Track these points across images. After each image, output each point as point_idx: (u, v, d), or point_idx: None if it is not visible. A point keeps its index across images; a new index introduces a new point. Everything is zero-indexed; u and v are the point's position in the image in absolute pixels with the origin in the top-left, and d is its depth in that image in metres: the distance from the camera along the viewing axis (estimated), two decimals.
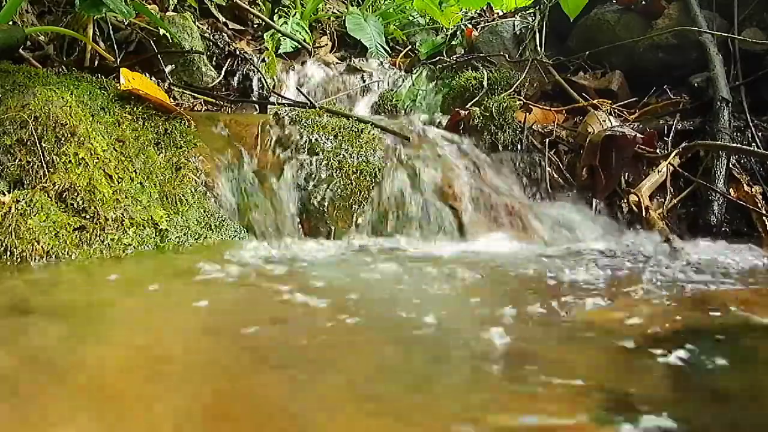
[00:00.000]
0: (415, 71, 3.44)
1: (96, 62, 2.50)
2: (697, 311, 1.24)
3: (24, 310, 1.18)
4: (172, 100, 2.40)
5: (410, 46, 4.07)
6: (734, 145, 2.20)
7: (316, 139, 2.14)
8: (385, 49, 3.86)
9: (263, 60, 3.12)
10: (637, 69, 2.77)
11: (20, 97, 1.81)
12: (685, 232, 2.07)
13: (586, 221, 2.08)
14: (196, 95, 2.68)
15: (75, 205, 1.64)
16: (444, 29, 4.10)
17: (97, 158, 1.76)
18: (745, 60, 2.48)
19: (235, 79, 2.92)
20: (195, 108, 2.62)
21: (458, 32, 3.79)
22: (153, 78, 2.51)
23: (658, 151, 2.26)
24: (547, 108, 2.65)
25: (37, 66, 2.24)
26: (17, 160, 1.69)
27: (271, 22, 3.57)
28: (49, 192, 1.63)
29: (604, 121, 2.31)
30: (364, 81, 3.40)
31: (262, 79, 2.95)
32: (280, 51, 3.48)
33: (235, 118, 2.30)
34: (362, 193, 2.01)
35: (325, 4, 4.24)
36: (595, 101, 2.60)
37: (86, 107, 1.92)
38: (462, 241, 1.95)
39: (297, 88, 3.16)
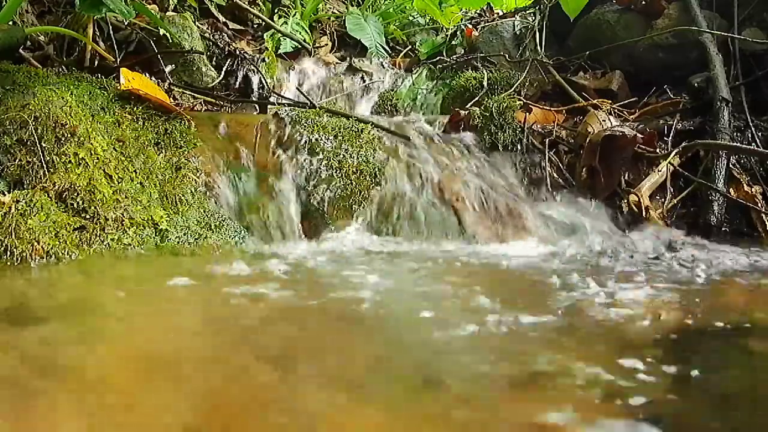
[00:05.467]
0: (415, 71, 3.44)
1: (96, 62, 2.49)
2: (698, 311, 1.24)
3: (24, 310, 1.18)
4: (172, 100, 2.40)
5: (410, 46, 4.07)
6: (734, 144, 2.20)
7: (316, 139, 2.14)
8: (385, 49, 3.86)
9: (263, 60, 3.12)
10: (637, 69, 2.77)
11: (20, 97, 1.81)
12: (685, 232, 2.06)
13: (585, 221, 2.08)
14: (196, 95, 2.67)
15: (75, 205, 1.64)
16: (444, 29, 4.10)
17: (97, 158, 1.76)
18: (745, 60, 2.48)
19: (236, 79, 2.92)
20: (195, 108, 2.62)
21: (458, 32, 3.79)
22: (153, 78, 2.51)
23: (658, 151, 2.26)
24: (547, 108, 2.65)
25: (37, 66, 2.24)
26: (17, 160, 1.69)
27: (271, 22, 3.57)
28: (49, 192, 1.63)
29: (604, 121, 2.30)
30: (364, 81, 3.40)
31: (262, 79, 2.94)
32: (280, 51, 3.48)
33: (235, 118, 2.30)
34: (362, 193, 2.01)
35: (325, 4, 4.24)
36: (595, 101, 2.59)
37: (86, 107, 1.92)
38: (463, 241, 1.95)
39: (297, 88, 3.16)
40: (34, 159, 1.69)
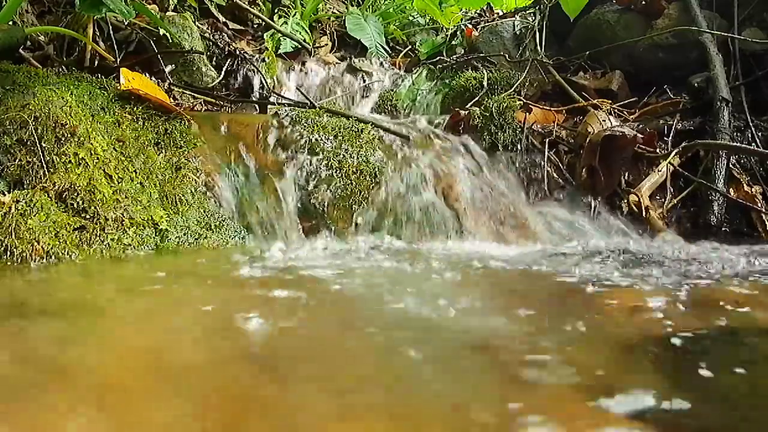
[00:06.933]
0: (415, 71, 3.44)
1: (96, 62, 2.50)
2: (697, 311, 1.24)
3: (24, 310, 1.18)
4: (172, 100, 2.40)
5: (410, 46, 4.07)
6: (734, 144, 2.20)
7: (316, 139, 2.14)
8: (385, 49, 3.86)
9: (263, 60, 3.12)
10: (637, 69, 2.77)
11: (20, 97, 1.81)
12: (684, 232, 2.07)
13: (585, 221, 2.08)
14: (196, 95, 2.68)
15: (75, 205, 1.64)
16: (444, 29, 4.10)
17: (97, 158, 1.76)
18: (745, 60, 2.48)
19: (236, 79, 2.92)
20: (195, 108, 2.62)
21: (458, 32, 3.79)
22: (153, 78, 2.51)
23: (658, 151, 2.26)
24: (547, 108, 2.65)
25: (37, 66, 2.24)
26: (17, 160, 1.69)
27: (271, 22, 3.57)
28: (49, 192, 1.63)
29: (604, 121, 2.31)
30: (364, 81, 3.40)
31: (262, 79, 2.95)
32: (280, 51, 3.48)
33: (235, 118, 2.30)
34: (362, 193, 2.01)
35: (325, 4, 4.24)
36: (595, 101, 2.60)
37: (86, 107, 1.92)
38: (462, 241, 1.95)
39: (297, 88, 3.16)
40: (34, 159, 1.69)
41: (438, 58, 3.57)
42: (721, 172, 2.14)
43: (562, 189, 2.24)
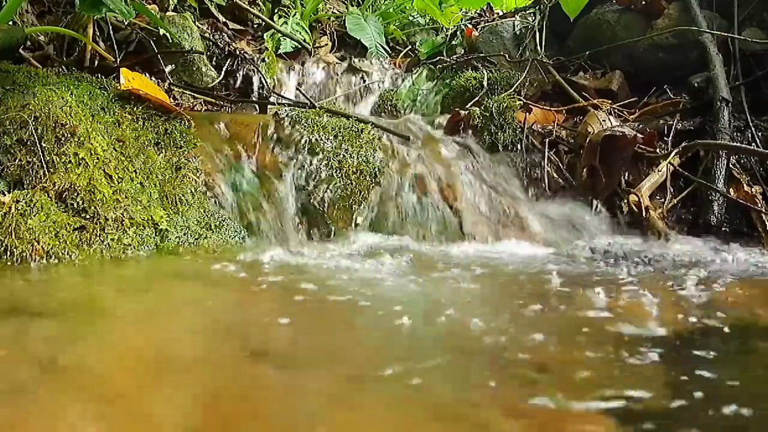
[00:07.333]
0: (415, 71, 3.44)
1: (96, 62, 2.49)
2: (697, 311, 1.24)
3: (24, 310, 1.18)
4: (172, 100, 2.39)
5: (410, 46, 4.07)
6: (734, 144, 2.20)
7: (316, 139, 2.14)
8: (385, 49, 3.86)
9: (263, 60, 3.12)
10: (637, 69, 2.77)
11: (20, 97, 1.81)
12: (685, 232, 2.06)
13: (585, 221, 2.08)
14: (196, 95, 2.67)
15: (75, 205, 1.64)
16: (444, 29, 4.10)
17: (97, 158, 1.76)
18: (745, 60, 2.48)
19: (236, 79, 2.92)
20: (195, 108, 2.62)
21: (458, 32, 3.79)
22: (153, 78, 2.50)
23: (658, 151, 2.26)
24: (547, 108, 2.65)
25: (37, 66, 2.24)
26: (17, 160, 1.69)
27: (271, 22, 3.57)
28: (49, 192, 1.63)
29: (604, 121, 2.30)
30: (364, 81, 3.40)
31: (262, 79, 2.94)
32: (280, 51, 3.48)
33: (235, 118, 2.30)
34: (362, 193, 2.01)
35: (325, 4, 4.24)
36: (595, 101, 2.59)
37: (86, 107, 1.92)
38: (462, 241, 1.95)
39: (297, 88, 3.16)
40: (34, 159, 1.69)
41: (438, 58, 3.57)
42: (721, 172, 2.13)
43: (562, 189, 2.24)
